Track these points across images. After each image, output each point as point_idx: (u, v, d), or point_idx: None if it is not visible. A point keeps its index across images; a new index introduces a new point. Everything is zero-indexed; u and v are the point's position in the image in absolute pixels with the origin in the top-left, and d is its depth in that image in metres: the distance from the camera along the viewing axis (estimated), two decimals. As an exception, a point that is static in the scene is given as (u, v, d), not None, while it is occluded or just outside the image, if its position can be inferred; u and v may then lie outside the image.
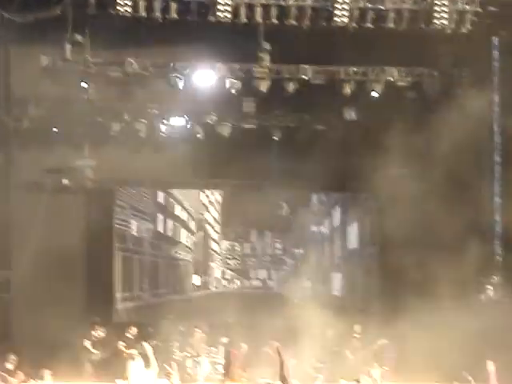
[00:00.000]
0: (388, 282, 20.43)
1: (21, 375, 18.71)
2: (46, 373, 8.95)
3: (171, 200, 23.91)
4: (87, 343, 20.37)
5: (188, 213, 24.08)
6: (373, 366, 19.31)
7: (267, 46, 20.63)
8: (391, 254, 20.61)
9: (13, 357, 19.06)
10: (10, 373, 18.74)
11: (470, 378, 16.09)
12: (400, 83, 20.85)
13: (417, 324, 18.31)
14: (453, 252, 18.26)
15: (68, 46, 20.14)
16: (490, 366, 15.35)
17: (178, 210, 23.99)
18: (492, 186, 20.77)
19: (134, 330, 20.81)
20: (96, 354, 20.40)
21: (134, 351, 15.69)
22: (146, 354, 14.33)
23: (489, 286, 20.41)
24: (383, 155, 19.46)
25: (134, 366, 14.67)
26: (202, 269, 24.02)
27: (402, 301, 18.55)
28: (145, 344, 14.43)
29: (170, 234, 23.86)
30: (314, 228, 24.16)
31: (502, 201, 20.67)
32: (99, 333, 20.53)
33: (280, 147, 21.42)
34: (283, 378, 9.05)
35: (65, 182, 21.49)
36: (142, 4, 19.58)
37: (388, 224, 20.20)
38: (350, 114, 21.23)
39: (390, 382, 18.53)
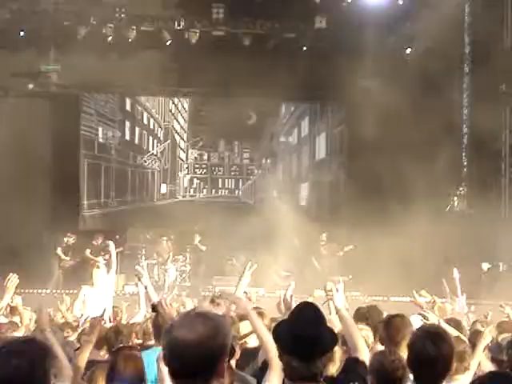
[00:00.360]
0: (356, 190, 20.42)
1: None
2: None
3: (139, 108, 23.67)
4: (58, 250, 20.39)
5: (156, 121, 23.86)
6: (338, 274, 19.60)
7: None
8: (359, 163, 20.68)
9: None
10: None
11: (447, 289, 16.13)
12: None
13: (383, 232, 18.43)
14: (421, 162, 18.23)
15: None
16: (456, 273, 15.52)
17: (145, 118, 23.77)
18: (461, 96, 20.71)
19: (100, 238, 20.81)
20: (66, 260, 20.44)
21: (99, 259, 15.81)
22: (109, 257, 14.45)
23: (455, 198, 20.55)
24: (353, 64, 19.29)
25: (99, 273, 14.89)
26: (170, 177, 23.93)
27: (369, 209, 18.61)
28: (109, 242, 14.56)
29: (137, 141, 23.69)
30: (282, 138, 24.11)
31: (469, 111, 20.62)
32: (69, 240, 20.54)
33: (249, 55, 21.03)
34: None
35: (30, 86, 21.12)
36: None
37: (357, 133, 20.20)
38: (321, 22, 20.86)
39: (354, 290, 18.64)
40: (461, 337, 6.59)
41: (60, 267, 20.46)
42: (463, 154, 20.72)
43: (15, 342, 3.67)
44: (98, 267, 15.12)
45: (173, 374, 3.26)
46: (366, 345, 5.89)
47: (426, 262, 17.65)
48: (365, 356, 5.60)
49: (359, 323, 6.66)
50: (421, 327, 5.33)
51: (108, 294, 14.06)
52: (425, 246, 17.56)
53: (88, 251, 20.24)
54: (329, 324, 4.32)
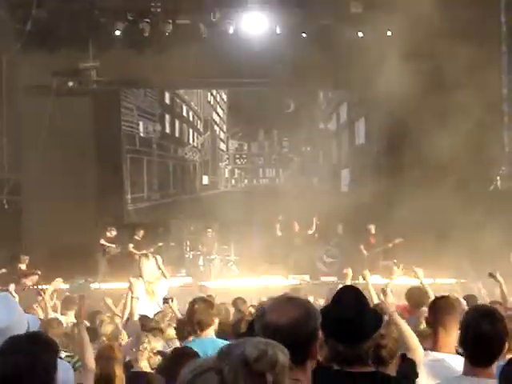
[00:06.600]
0: (395, 177, 20.36)
1: (33, 276, 18.97)
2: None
3: (178, 100, 23.82)
4: (102, 240, 20.57)
5: (195, 113, 24.01)
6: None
7: None
8: (398, 150, 20.68)
9: (25, 257, 19.28)
10: (23, 273, 18.99)
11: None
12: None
13: (426, 217, 18.39)
14: (461, 144, 18.07)
15: None
16: None
17: (185, 111, 23.92)
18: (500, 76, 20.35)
19: (141, 233, 20.93)
20: (112, 247, 20.59)
21: (144, 252, 15.59)
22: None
23: (497, 177, 20.35)
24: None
25: (147, 264, 14.34)
26: (211, 169, 24.08)
27: (409, 194, 18.45)
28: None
29: (177, 134, 23.85)
30: (321, 125, 24.10)
31: (509, 89, 20.35)
32: (112, 232, 20.73)
33: (286, 43, 20.97)
34: None
35: (70, 84, 21.33)
36: None
37: (395, 120, 20.10)
38: (357, 7, 20.68)
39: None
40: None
41: (105, 256, 20.62)
42: (504, 134, 20.51)
43: (18, 338, 3.71)
44: (145, 258, 14.79)
45: None
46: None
47: (472, 244, 17.54)
48: (416, 355, 5.61)
49: None
50: (473, 307, 5.32)
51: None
52: (469, 229, 17.43)
53: (131, 246, 20.47)
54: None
